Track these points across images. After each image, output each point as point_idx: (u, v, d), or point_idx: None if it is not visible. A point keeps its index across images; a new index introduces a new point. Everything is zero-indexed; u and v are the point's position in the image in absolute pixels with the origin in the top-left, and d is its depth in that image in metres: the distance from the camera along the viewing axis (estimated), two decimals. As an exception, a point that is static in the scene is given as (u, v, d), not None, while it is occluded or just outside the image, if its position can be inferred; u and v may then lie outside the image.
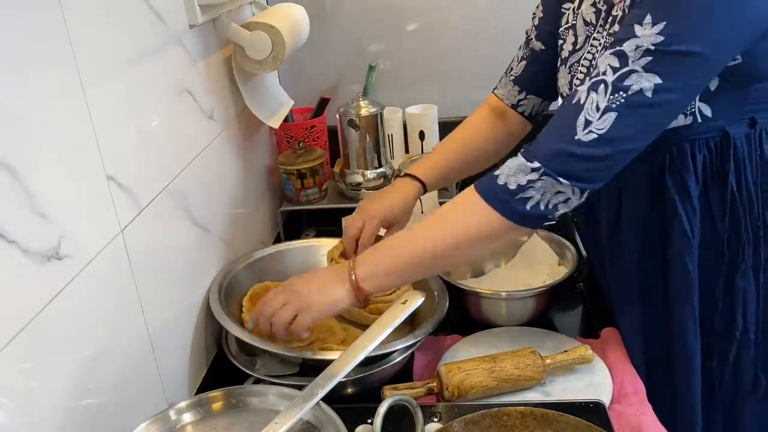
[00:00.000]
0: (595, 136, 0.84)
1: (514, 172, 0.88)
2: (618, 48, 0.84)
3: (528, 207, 0.88)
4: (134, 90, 0.92)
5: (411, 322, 1.10)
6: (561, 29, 1.10)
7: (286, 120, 1.50)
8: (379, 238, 1.15)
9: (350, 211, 1.50)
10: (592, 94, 0.85)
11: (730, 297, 1.00)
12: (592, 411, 0.91)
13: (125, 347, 0.87)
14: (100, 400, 0.80)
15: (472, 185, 0.93)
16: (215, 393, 0.88)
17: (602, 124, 0.84)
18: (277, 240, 1.55)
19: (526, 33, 1.19)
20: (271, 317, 0.98)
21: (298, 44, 1.37)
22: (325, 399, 0.84)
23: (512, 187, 0.88)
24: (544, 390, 1.02)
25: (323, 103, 1.64)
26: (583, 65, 1.02)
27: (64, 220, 0.74)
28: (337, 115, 1.49)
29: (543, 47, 1.15)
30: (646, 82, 0.82)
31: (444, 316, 1.09)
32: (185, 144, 1.08)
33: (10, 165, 0.66)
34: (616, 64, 0.83)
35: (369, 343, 0.92)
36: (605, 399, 0.98)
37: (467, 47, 1.69)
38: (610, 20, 0.96)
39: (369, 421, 0.88)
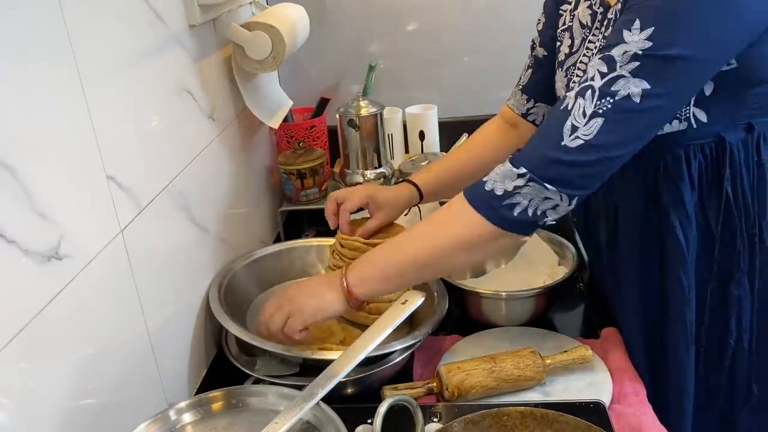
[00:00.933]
0: (581, 142, 0.83)
1: (501, 177, 0.87)
2: (607, 53, 0.83)
3: (515, 213, 0.87)
4: (134, 90, 0.92)
5: (411, 323, 1.10)
6: (558, 31, 1.09)
7: (285, 120, 1.51)
8: (363, 222, 1.15)
9: (350, 211, 1.51)
10: (580, 100, 0.84)
11: (724, 305, 0.99)
12: (592, 411, 0.91)
13: (125, 347, 0.87)
14: (100, 400, 0.80)
15: (461, 192, 0.92)
16: (215, 393, 0.88)
17: (588, 130, 0.83)
18: (277, 240, 1.55)
19: (532, 41, 1.18)
20: (266, 322, 0.99)
21: (298, 44, 1.37)
22: (325, 399, 0.84)
23: (499, 192, 0.87)
24: (544, 390, 1.02)
25: (323, 103, 1.64)
26: (579, 68, 1.01)
27: (64, 220, 0.74)
28: (337, 115, 1.49)
29: (545, 53, 1.14)
30: (634, 87, 0.81)
31: (444, 316, 1.09)
32: (185, 144, 1.08)
33: (10, 165, 0.66)
34: (605, 69, 0.82)
35: (369, 343, 0.92)
36: (605, 399, 0.98)
37: (467, 47, 1.69)
38: (606, 23, 0.96)
39: (369, 421, 0.88)
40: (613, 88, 0.82)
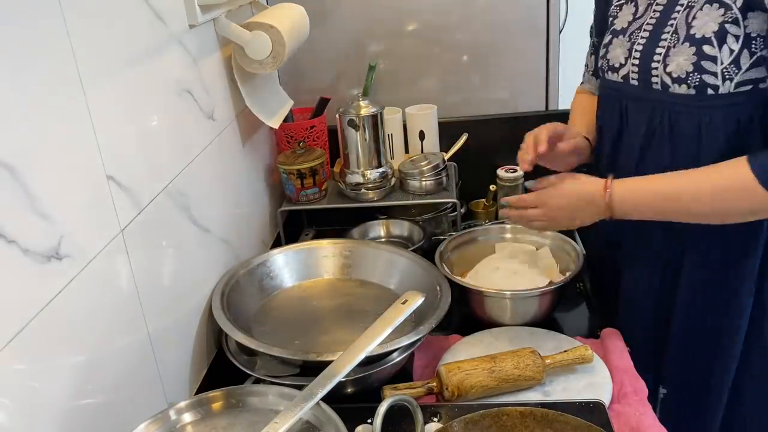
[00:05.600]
0: None
1: None
2: None
3: None
4: (134, 90, 0.92)
5: (411, 322, 1.10)
6: (612, 7, 1.16)
7: (286, 120, 1.50)
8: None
9: (350, 210, 1.51)
10: None
11: None
12: (592, 411, 0.92)
13: (125, 347, 0.87)
14: (100, 399, 0.81)
15: (746, 165, 0.95)
16: (215, 393, 0.88)
17: None
18: (277, 240, 1.55)
19: (591, 27, 1.26)
20: (525, 219, 1.14)
21: (298, 44, 1.37)
22: (325, 399, 0.84)
23: None
24: (544, 390, 1.02)
25: (323, 103, 1.64)
26: (645, 30, 1.07)
27: (64, 220, 0.74)
28: (337, 115, 1.49)
29: (597, 38, 1.23)
30: None
31: (444, 315, 1.09)
32: (185, 144, 1.08)
33: (10, 165, 0.66)
34: None
35: (369, 343, 0.92)
36: (605, 399, 0.98)
37: (467, 47, 1.69)
38: None
39: (369, 421, 0.88)
40: None
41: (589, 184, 1.07)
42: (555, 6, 1.63)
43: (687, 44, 1.00)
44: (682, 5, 1.03)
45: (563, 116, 1.65)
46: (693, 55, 0.99)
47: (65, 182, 0.75)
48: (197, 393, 1.05)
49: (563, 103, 1.73)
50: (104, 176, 0.83)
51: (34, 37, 0.71)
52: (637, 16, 1.10)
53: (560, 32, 1.70)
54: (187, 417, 0.86)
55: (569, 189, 1.09)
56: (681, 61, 1.01)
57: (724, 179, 0.97)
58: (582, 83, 1.35)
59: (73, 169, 0.77)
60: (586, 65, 1.32)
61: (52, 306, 0.71)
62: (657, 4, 1.07)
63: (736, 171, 0.96)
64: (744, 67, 0.97)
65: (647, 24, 1.07)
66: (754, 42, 0.96)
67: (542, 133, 1.15)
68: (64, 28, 0.76)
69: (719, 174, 0.98)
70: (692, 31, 1.00)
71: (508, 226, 1.37)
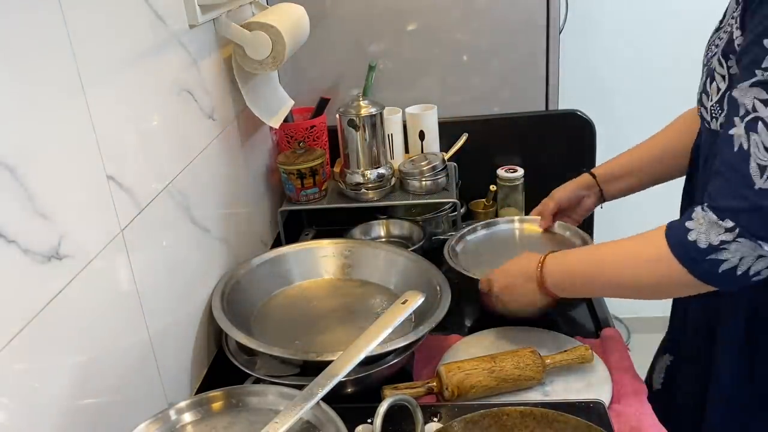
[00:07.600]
0: None
1: (705, 228, 0.81)
2: (759, 78, 0.77)
3: (720, 270, 0.80)
4: (134, 90, 0.92)
5: (411, 322, 1.10)
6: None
7: (286, 120, 1.50)
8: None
9: (350, 210, 1.52)
10: (753, 136, 0.78)
11: None
12: (592, 411, 0.92)
13: (125, 347, 0.87)
14: (101, 399, 0.81)
15: (664, 228, 0.87)
16: (215, 393, 0.88)
17: None
18: (278, 240, 1.55)
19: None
20: (488, 293, 1.14)
21: (298, 44, 1.37)
22: (325, 399, 0.84)
23: (702, 246, 0.81)
24: (544, 390, 1.02)
25: (323, 103, 1.64)
26: (714, 44, 0.94)
27: (64, 220, 0.74)
28: (337, 115, 1.49)
29: None
30: None
31: (444, 315, 1.09)
32: (185, 144, 1.09)
33: (10, 165, 0.66)
34: (765, 96, 0.77)
35: (369, 343, 0.92)
36: (605, 399, 0.98)
37: (467, 47, 1.69)
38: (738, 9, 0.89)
39: (369, 420, 0.88)
40: None
41: (525, 259, 1.08)
42: (555, 6, 1.63)
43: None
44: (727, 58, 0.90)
45: (563, 116, 1.66)
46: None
47: (65, 182, 0.75)
48: (197, 393, 1.05)
49: (563, 103, 1.73)
50: (104, 176, 0.83)
51: (34, 37, 0.71)
52: (720, 25, 0.96)
53: (560, 32, 1.70)
54: (187, 417, 0.86)
55: (509, 269, 1.11)
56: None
57: (641, 246, 0.89)
58: None
59: (73, 169, 0.77)
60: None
61: (52, 306, 0.71)
62: (731, 18, 0.91)
63: (654, 239, 0.87)
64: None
65: (719, 38, 0.93)
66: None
67: (546, 209, 1.31)
68: (64, 28, 0.76)
69: (639, 243, 0.90)
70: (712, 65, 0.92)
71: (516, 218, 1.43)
